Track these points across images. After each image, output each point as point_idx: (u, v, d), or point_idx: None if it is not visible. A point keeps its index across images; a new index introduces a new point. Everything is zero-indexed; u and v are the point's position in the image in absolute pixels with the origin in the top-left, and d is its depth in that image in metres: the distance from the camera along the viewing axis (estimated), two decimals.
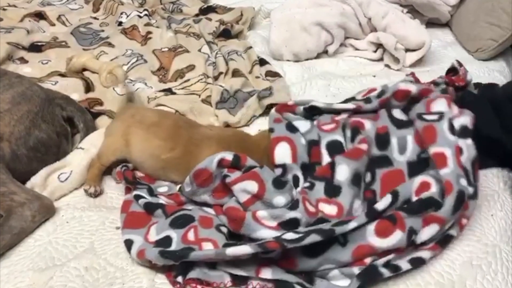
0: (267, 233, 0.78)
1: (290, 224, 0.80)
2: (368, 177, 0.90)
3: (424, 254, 0.79)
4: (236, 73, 1.31)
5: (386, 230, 0.78)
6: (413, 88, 0.98)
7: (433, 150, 0.86)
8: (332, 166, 0.88)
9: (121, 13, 1.70)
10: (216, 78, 1.32)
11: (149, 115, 0.99)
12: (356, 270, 0.76)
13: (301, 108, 1.04)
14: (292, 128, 0.99)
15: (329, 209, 0.84)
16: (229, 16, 1.69)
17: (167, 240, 0.80)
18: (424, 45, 1.39)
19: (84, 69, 1.37)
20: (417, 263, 0.78)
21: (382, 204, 0.80)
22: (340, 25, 1.44)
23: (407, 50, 1.41)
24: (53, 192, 0.95)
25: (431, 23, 1.67)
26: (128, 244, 0.82)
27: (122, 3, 1.77)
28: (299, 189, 0.90)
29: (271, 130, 0.98)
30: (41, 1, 1.79)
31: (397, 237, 0.77)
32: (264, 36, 1.60)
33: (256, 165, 0.88)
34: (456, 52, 1.51)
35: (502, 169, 1.01)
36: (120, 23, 1.66)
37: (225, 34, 1.55)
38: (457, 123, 0.90)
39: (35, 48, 1.48)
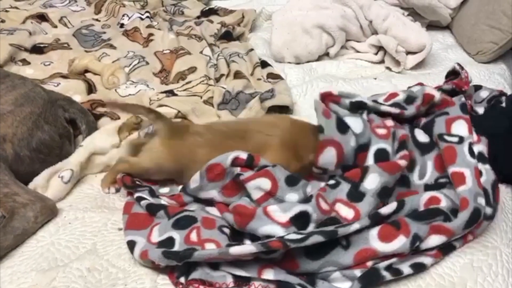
0: (273, 229, 0.79)
1: (301, 219, 0.80)
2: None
3: (426, 260, 0.79)
4: (237, 75, 1.31)
5: (389, 235, 0.78)
6: (437, 95, 1.00)
7: (452, 169, 0.88)
8: (364, 171, 0.88)
9: (123, 15, 1.70)
10: (217, 80, 1.32)
11: (198, 151, 0.93)
12: (357, 272, 0.77)
13: (347, 101, 1.00)
14: (343, 127, 0.94)
15: (346, 212, 0.84)
16: (231, 18, 1.69)
17: (169, 241, 0.81)
18: (424, 47, 1.40)
19: (86, 71, 1.38)
20: (419, 268, 0.78)
21: (386, 209, 0.81)
22: (341, 27, 1.44)
23: (408, 52, 1.42)
24: (56, 193, 0.95)
25: (432, 26, 1.67)
26: (131, 245, 0.82)
27: (124, 5, 1.77)
28: (321, 185, 0.89)
29: (320, 128, 0.92)
30: (43, 3, 1.80)
31: (400, 242, 0.78)
32: (265, 39, 1.60)
33: (269, 164, 0.88)
34: (456, 55, 1.51)
35: None
36: (122, 25, 1.66)
37: (227, 36, 1.56)
38: (476, 149, 0.92)
39: (37, 49, 1.48)
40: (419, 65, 1.42)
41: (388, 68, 1.43)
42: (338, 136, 0.92)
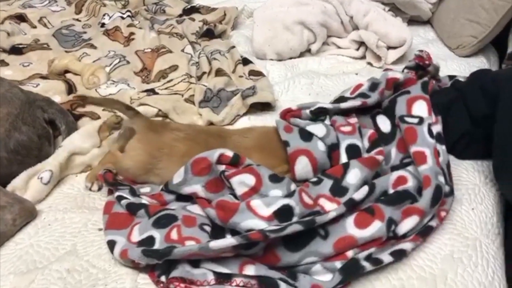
0: (256, 223, 0.78)
1: (284, 213, 0.80)
2: None
3: (405, 245, 0.80)
4: (219, 72, 1.30)
5: (364, 221, 0.80)
6: (400, 76, 1.04)
7: (413, 149, 0.91)
8: (345, 167, 0.89)
9: (104, 15, 1.69)
10: (199, 78, 1.32)
11: (177, 145, 0.94)
12: (338, 264, 0.77)
13: (307, 111, 1.03)
14: (307, 136, 0.96)
15: (329, 206, 0.84)
16: (213, 16, 1.69)
17: (150, 240, 0.80)
18: (405, 42, 1.40)
19: (66, 71, 1.37)
20: (399, 255, 0.79)
21: (359, 194, 0.83)
22: (322, 23, 1.45)
23: (389, 47, 1.43)
24: (35, 194, 0.94)
25: (413, 21, 1.69)
26: (111, 244, 0.81)
27: (105, 4, 1.76)
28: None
29: (286, 143, 0.95)
30: (22, 3, 1.78)
31: (376, 227, 0.79)
32: (247, 36, 1.60)
33: (253, 163, 0.89)
34: (437, 49, 1.52)
35: (482, 163, 1.02)
36: (102, 25, 1.65)
37: (208, 34, 1.55)
38: (434, 130, 0.95)
39: (16, 50, 1.47)
40: (400, 60, 1.42)
41: (369, 63, 1.43)
42: (304, 145, 0.95)
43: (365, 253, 0.78)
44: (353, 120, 1.01)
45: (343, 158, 0.94)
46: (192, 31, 1.55)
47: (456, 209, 0.91)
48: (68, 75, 1.35)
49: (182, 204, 0.90)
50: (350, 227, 0.80)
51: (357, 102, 1.03)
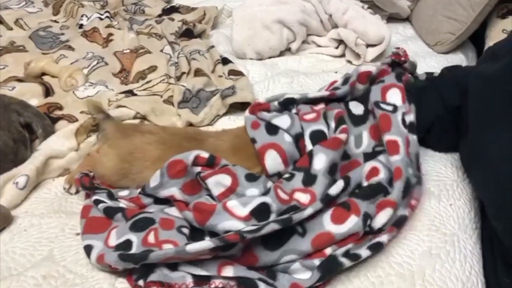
0: (233, 224, 0.78)
1: (261, 211, 0.80)
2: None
3: (382, 238, 0.81)
4: (198, 72, 1.30)
5: (341, 217, 0.81)
6: (373, 69, 1.04)
7: (387, 137, 0.92)
8: (310, 155, 0.90)
9: (82, 16, 1.66)
10: (178, 78, 1.31)
11: (149, 149, 0.93)
12: (316, 261, 0.77)
13: (276, 103, 1.03)
14: (273, 129, 0.97)
15: (304, 198, 0.85)
16: (192, 16, 1.68)
17: (127, 244, 0.79)
18: (384, 40, 1.41)
19: (43, 74, 1.35)
20: (376, 249, 0.80)
21: (334, 189, 0.83)
22: (301, 22, 1.44)
23: (368, 45, 1.43)
24: (11, 200, 0.93)
25: (392, 18, 1.69)
26: (88, 249, 0.80)
27: (83, 5, 1.73)
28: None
29: (253, 140, 0.96)
30: None
31: (352, 222, 0.80)
32: (227, 35, 1.59)
33: (229, 164, 0.89)
34: (416, 46, 1.53)
35: (460, 160, 1.03)
36: (80, 26, 1.63)
37: (188, 34, 1.54)
38: (407, 119, 0.96)
39: None
40: (379, 58, 1.43)
41: (349, 61, 1.44)
42: (270, 139, 0.96)
43: (343, 249, 0.78)
44: (319, 107, 1.02)
45: (309, 146, 0.95)
46: (171, 31, 1.54)
47: (434, 205, 0.91)
48: (45, 78, 1.33)
49: (160, 207, 0.89)
50: (327, 223, 0.80)
51: (324, 93, 1.05)
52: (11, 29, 1.61)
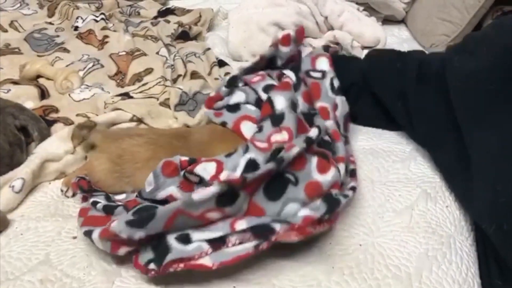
0: None
1: (251, 169, 0.83)
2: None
3: (353, 183, 0.91)
4: (194, 75, 1.30)
5: (324, 167, 0.85)
6: (291, 32, 1.13)
7: (319, 104, 1.03)
8: (269, 101, 0.97)
9: (77, 18, 1.65)
10: (174, 80, 1.30)
11: (139, 151, 0.93)
12: (318, 201, 0.81)
13: (223, 88, 1.10)
14: (234, 107, 1.06)
15: (280, 137, 0.90)
16: (188, 18, 1.68)
17: None
18: (379, 42, 1.42)
19: (39, 76, 1.34)
20: (354, 190, 0.89)
21: (312, 133, 0.88)
22: (297, 24, 1.45)
23: (363, 47, 1.44)
24: (7, 203, 0.92)
25: (387, 20, 1.71)
26: (88, 232, 0.78)
27: (78, 7, 1.72)
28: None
29: (224, 124, 1.02)
30: None
31: (332, 172, 0.85)
32: (223, 37, 1.59)
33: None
34: (411, 48, 1.52)
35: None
36: (76, 28, 1.62)
37: (184, 36, 1.54)
38: (335, 83, 1.06)
39: None
40: None
41: None
42: (238, 115, 1.03)
43: (333, 191, 0.83)
44: (261, 72, 1.12)
45: (264, 97, 1.02)
46: (167, 33, 1.53)
47: (431, 207, 0.92)
48: (41, 80, 1.32)
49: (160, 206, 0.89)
50: (314, 173, 0.84)
51: (256, 58, 1.14)
52: (5, 31, 1.60)
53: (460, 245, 0.85)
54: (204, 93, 1.23)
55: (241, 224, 0.77)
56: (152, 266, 0.74)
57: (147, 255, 0.76)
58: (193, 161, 0.88)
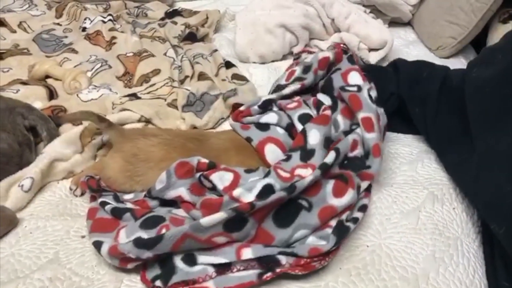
0: None
1: (266, 192, 0.82)
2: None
3: (364, 201, 0.90)
4: (202, 76, 1.30)
5: (341, 190, 0.86)
6: (330, 54, 1.13)
7: (361, 115, 0.99)
8: (304, 133, 0.94)
9: (85, 19, 1.67)
10: (182, 81, 1.31)
11: (153, 151, 0.93)
12: (329, 230, 0.81)
13: (256, 107, 1.08)
14: (264, 126, 1.02)
15: (305, 172, 0.88)
16: (195, 20, 1.68)
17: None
18: (386, 44, 1.42)
19: (47, 77, 1.35)
20: (364, 209, 0.88)
21: (329, 158, 0.88)
22: (304, 26, 1.45)
23: (370, 49, 1.44)
24: (16, 202, 0.93)
25: (394, 23, 1.71)
26: (97, 245, 0.79)
27: (86, 8, 1.74)
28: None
29: (248, 139, 0.99)
30: (1, 7, 1.75)
31: (350, 195, 0.85)
32: (230, 39, 1.60)
33: (227, 166, 0.91)
34: (417, 50, 1.55)
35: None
36: (84, 29, 1.63)
37: (191, 37, 1.55)
38: (373, 94, 1.04)
39: None
40: (381, 62, 1.43)
41: None
42: (265, 134, 1.00)
43: (344, 216, 0.84)
44: (297, 98, 1.10)
45: (299, 127, 1.00)
46: (174, 35, 1.54)
47: (438, 209, 0.92)
48: (49, 81, 1.33)
49: (167, 209, 0.89)
50: (330, 198, 0.85)
51: (296, 86, 1.11)
52: (14, 32, 1.61)
53: (467, 247, 0.85)
54: (211, 94, 1.23)
55: (247, 253, 0.77)
56: (158, 283, 0.76)
57: (154, 271, 0.77)
58: (213, 166, 0.89)
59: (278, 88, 1.16)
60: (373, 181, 0.94)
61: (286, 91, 1.11)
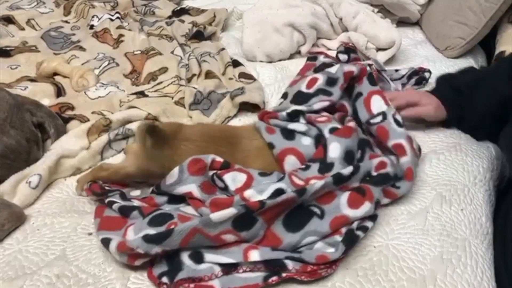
0: None
1: (277, 196, 0.81)
2: (358, 155, 0.96)
3: (376, 212, 0.87)
4: (209, 74, 1.30)
5: (357, 202, 0.84)
6: (355, 69, 1.07)
7: (391, 143, 0.97)
8: (324, 145, 0.93)
9: (93, 16, 1.68)
10: (189, 80, 1.31)
11: (186, 157, 0.89)
12: (338, 238, 0.81)
13: (284, 113, 1.05)
14: (289, 134, 0.99)
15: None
16: (202, 18, 1.68)
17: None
18: (394, 44, 1.41)
19: (55, 74, 1.36)
20: (374, 219, 0.86)
21: (345, 170, 0.87)
22: (311, 25, 1.45)
23: (378, 49, 1.43)
24: (24, 199, 0.93)
25: (402, 22, 1.70)
26: (106, 241, 0.79)
27: (94, 6, 1.75)
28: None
29: (271, 145, 0.97)
30: (10, 5, 1.76)
31: (367, 207, 0.84)
32: (237, 38, 1.60)
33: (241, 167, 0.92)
34: (426, 50, 1.53)
35: (472, 163, 1.03)
36: (91, 27, 1.64)
37: (198, 35, 1.55)
38: (398, 118, 1.01)
39: (4, 53, 1.45)
40: (389, 61, 1.43)
41: None
42: (288, 144, 0.97)
43: (355, 224, 0.83)
44: (325, 114, 1.06)
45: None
46: (181, 33, 1.54)
47: (446, 210, 0.91)
48: (57, 78, 1.34)
49: (175, 206, 0.89)
50: (344, 208, 0.84)
51: (325, 103, 1.07)
52: (23, 29, 1.62)
53: (475, 248, 0.85)
54: (219, 93, 1.23)
55: (254, 255, 0.77)
56: (164, 279, 0.75)
57: (161, 268, 0.77)
58: (227, 166, 0.89)
59: (299, 95, 1.11)
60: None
61: (316, 106, 1.06)
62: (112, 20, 1.64)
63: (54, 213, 0.91)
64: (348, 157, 0.92)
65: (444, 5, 1.54)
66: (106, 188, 0.92)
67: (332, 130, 0.96)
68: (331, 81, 1.08)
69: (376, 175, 0.90)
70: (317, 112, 1.06)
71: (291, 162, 0.95)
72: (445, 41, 1.50)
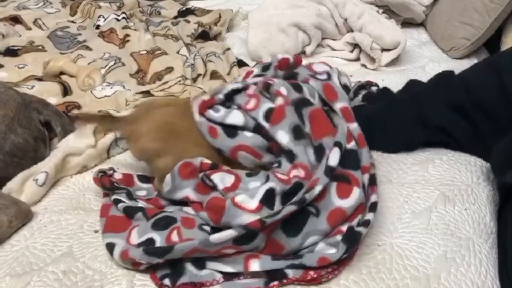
0: (247, 219, 0.78)
1: (269, 197, 0.81)
2: (305, 124, 0.92)
3: (373, 198, 0.86)
4: (214, 74, 1.31)
5: (345, 191, 0.83)
6: (290, 57, 1.06)
7: (338, 106, 0.93)
8: (271, 138, 0.90)
9: (99, 17, 1.69)
10: (194, 80, 1.32)
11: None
12: (338, 237, 0.80)
13: (221, 96, 0.98)
14: (231, 131, 0.93)
15: (297, 172, 0.86)
16: (208, 18, 1.69)
17: (150, 242, 0.80)
18: (399, 44, 1.41)
19: (62, 73, 1.37)
20: (374, 208, 0.84)
21: (333, 159, 0.84)
22: (316, 26, 1.46)
23: (383, 49, 1.44)
24: (31, 196, 0.94)
25: (406, 23, 1.70)
26: (110, 247, 0.81)
27: (100, 6, 1.75)
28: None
29: (219, 151, 0.93)
30: (17, 5, 1.77)
31: (356, 194, 0.82)
32: (242, 38, 1.61)
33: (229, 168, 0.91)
34: (430, 51, 1.54)
35: (475, 164, 1.03)
36: (97, 26, 1.65)
37: (204, 36, 1.56)
38: (343, 80, 1.03)
39: (11, 52, 1.46)
40: (393, 62, 1.43)
41: (363, 65, 1.45)
42: (234, 142, 0.92)
43: (355, 221, 0.82)
44: (251, 91, 0.97)
45: (266, 126, 0.92)
46: (187, 33, 1.55)
47: (449, 209, 0.91)
48: (64, 77, 1.35)
49: (178, 207, 0.90)
50: (335, 200, 0.82)
51: (261, 79, 1.00)
52: (30, 29, 1.64)
53: (479, 247, 0.85)
54: None
55: (255, 266, 0.77)
56: (166, 281, 0.76)
57: (163, 270, 0.78)
58: (215, 167, 0.89)
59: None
60: (370, 172, 0.89)
61: (250, 81, 1.00)
62: (118, 20, 1.65)
63: (60, 210, 0.92)
64: (297, 132, 0.89)
65: (449, 6, 1.55)
66: (115, 184, 0.94)
67: (268, 117, 0.91)
68: (265, 67, 1.07)
69: (350, 156, 0.87)
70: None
71: (243, 156, 0.92)
72: (450, 41, 1.50)
